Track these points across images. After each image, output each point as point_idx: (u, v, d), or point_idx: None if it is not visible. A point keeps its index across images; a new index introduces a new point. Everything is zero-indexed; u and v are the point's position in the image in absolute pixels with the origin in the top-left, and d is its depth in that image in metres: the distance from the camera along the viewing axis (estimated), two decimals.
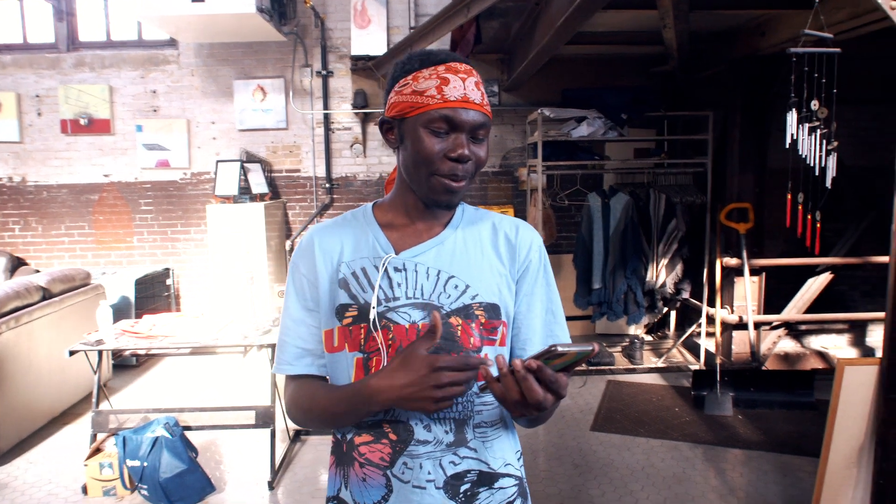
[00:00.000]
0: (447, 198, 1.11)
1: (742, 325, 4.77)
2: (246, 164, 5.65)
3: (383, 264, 1.12)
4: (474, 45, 4.40)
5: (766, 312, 4.93)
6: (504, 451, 1.16)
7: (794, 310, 4.92)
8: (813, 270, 5.03)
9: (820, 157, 2.10)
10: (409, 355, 1.00)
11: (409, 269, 1.12)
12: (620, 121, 4.81)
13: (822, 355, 5.41)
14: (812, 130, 2.09)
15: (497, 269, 1.15)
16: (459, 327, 1.10)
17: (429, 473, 1.10)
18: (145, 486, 3.15)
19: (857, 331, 5.97)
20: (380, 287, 1.11)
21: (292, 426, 4.01)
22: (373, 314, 1.10)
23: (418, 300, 1.10)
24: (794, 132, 2.11)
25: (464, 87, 1.06)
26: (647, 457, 3.72)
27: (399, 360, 1.01)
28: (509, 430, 1.19)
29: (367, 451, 1.13)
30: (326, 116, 5.97)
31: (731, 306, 4.85)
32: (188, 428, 3.38)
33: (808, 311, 5.01)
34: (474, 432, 1.12)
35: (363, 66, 5.77)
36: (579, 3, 2.87)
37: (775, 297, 5.20)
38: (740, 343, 4.87)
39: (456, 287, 1.12)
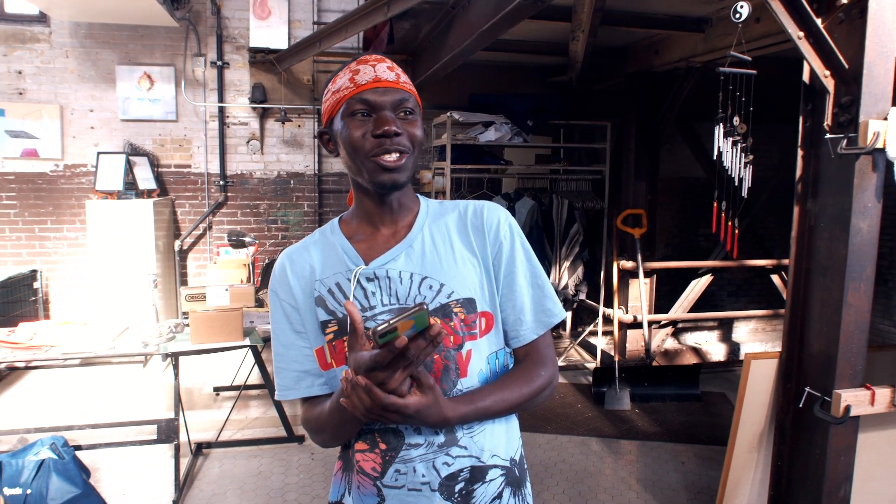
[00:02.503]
0: (389, 177, 1.09)
1: (636, 325, 5.08)
2: (132, 158, 5.21)
3: (354, 276, 1.12)
4: (387, 44, 4.35)
5: (654, 312, 5.30)
6: (492, 442, 1.15)
7: (681, 309, 5.33)
8: (695, 272, 5.47)
9: (738, 168, 2.30)
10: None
11: (382, 277, 1.12)
12: (526, 127, 4.96)
13: (696, 350, 5.91)
14: (734, 144, 2.29)
15: (469, 260, 1.15)
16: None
17: (423, 476, 1.10)
18: None
19: (725, 327, 6.59)
20: (355, 298, 1.12)
21: (194, 438, 3.75)
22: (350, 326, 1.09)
23: (394, 306, 1.11)
24: (721, 145, 2.29)
25: (374, 71, 1.10)
26: (557, 452, 3.86)
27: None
28: (496, 420, 1.17)
29: (362, 459, 1.14)
30: (221, 110, 5.64)
31: (626, 306, 5.16)
32: (79, 448, 3.04)
33: (690, 310, 5.44)
34: (463, 429, 1.12)
35: (263, 59, 5.52)
36: (508, 12, 2.92)
37: (657, 298, 5.60)
38: (633, 341, 5.19)
39: (431, 287, 1.11)
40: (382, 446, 1.11)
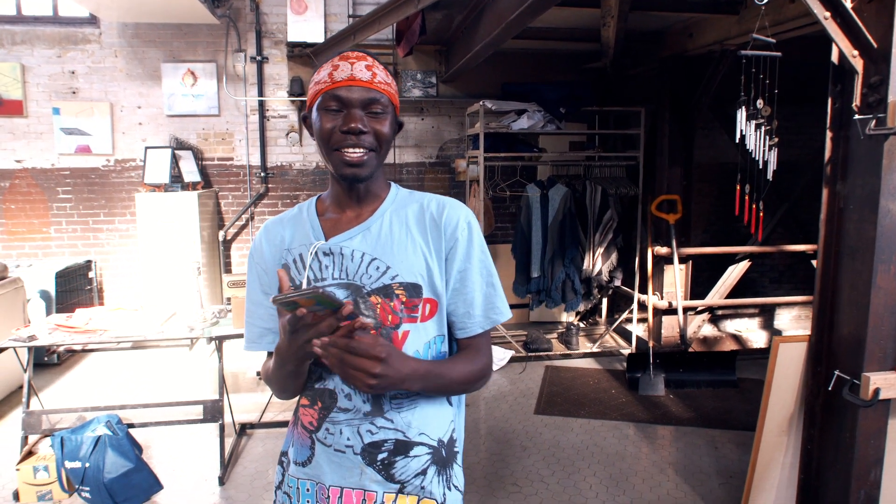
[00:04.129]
0: (350, 171, 1.18)
1: (671, 311, 5.06)
2: (177, 152, 5.42)
3: (312, 250, 1.24)
4: (419, 35, 4.41)
5: (690, 298, 5.25)
6: (421, 421, 1.22)
7: (717, 295, 5.27)
8: (733, 258, 5.40)
9: (763, 151, 2.29)
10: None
11: (336, 253, 1.22)
12: (559, 114, 4.97)
13: (736, 338, 5.83)
14: (758, 127, 2.28)
15: (422, 249, 1.22)
16: (379, 305, 1.19)
17: (348, 439, 1.20)
18: (87, 488, 2.99)
19: (767, 314, 6.46)
20: (311, 269, 1.23)
21: (238, 419, 3.93)
22: None
23: (343, 280, 1.21)
24: (743, 128, 2.29)
25: (351, 69, 1.17)
26: (591, 436, 3.90)
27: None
28: (432, 402, 1.25)
29: (303, 413, 1.27)
30: (261, 103, 5.81)
31: (661, 293, 5.13)
32: (131, 425, 3.24)
33: (728, 296, 5.38)
34: (391, 403, 1.20)
35: (300, 52, 5.66)
36: (535, 0, 2.95)
37: (695, 285, 5.55)
38: (669, 327, 5.17)
39: (377, 268, 1.20)
40: (320, 403, 1.23)
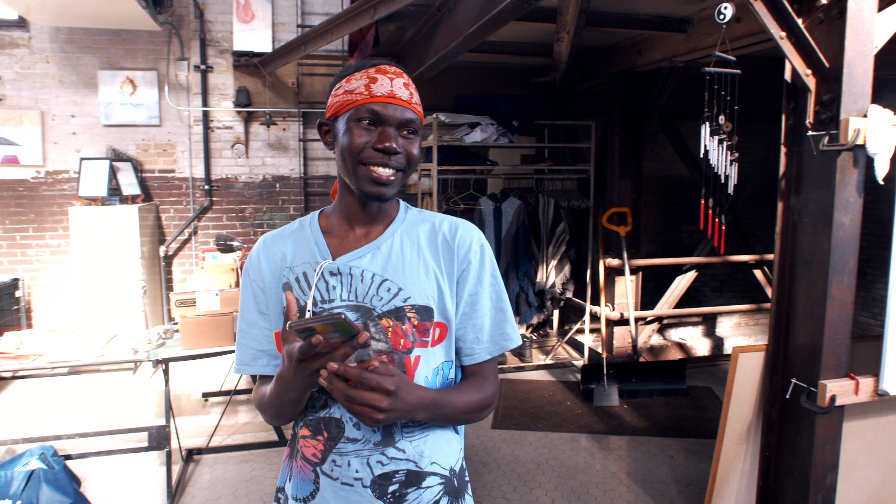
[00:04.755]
0: (376, 189, 1.13)
1: (623, 321, 5.14)
2: (115, 163, 5.16)
3: (318, 269, 1.17)
4: (373, 46, 4.35)
5: (640, 309, 5.35)
6: (433, 450, 1.18)
7: (666, 305, 5.39)
8: (679, 269, 5.54)
9: (725, 166, 2.35)
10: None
11: (345, 273, 1.16)
12: (512, 127, 5.00)
13: (681, 346, 5.99)
14: (720, 143, 2.34)
15: (434, 271, 1.18)
16: (391, 328, 1.13)
17: (356, 471, 1.13)
18: None
19: (709, 323, 6.68)
20: (317, 290, 1.16)
21: (185, 445, 3.72)
22: (308, 315, 1.14)
23: (352, 302, 1.15)
24: (707, 143, 2.34)
25: (391, 85, 1.12)
26: (549, 449, 3.89)
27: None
28: (443, 429, 1.21)
29: (304, 445, 1.19)
30: (205, 114, 5.61)
31: (613, 304, 5.21)
32: (68, 457, 3.02)
33: (675, 306, 5.51)
34: (402, 433, 1.15)
35: (247, 62, 5.50)
36: (495, 14, 2.95)
37: (642, 295, 5.66)
38: (620, 338, 5.25)
39: (389, 290, 1.15)
40: (325, 433, 1.15)
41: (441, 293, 1.17)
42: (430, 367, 1.17)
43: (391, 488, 1.14)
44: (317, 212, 1.27)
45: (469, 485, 1.26)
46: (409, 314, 1.14)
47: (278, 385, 1.09)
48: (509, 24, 4.09)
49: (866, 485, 3.07)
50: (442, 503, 1.18)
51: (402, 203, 1.26)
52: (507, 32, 4.62)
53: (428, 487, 1.17)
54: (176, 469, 3.48)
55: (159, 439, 3.15)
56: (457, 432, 1.25)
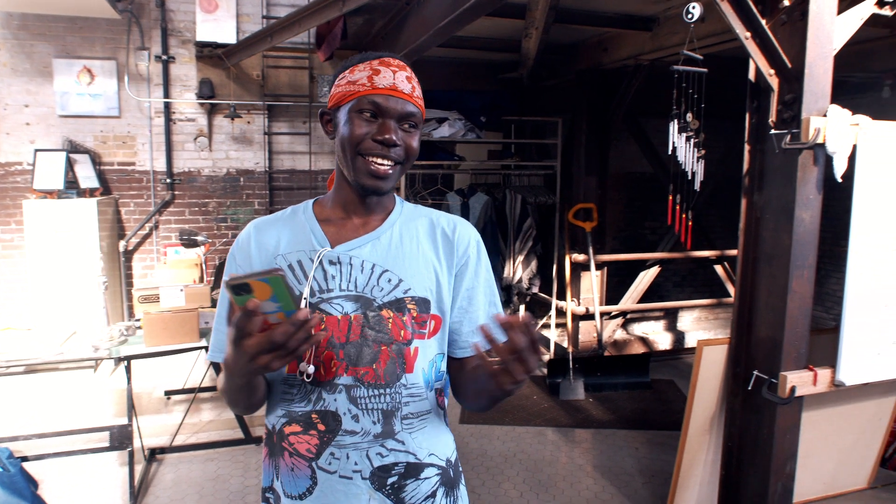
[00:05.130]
0: (373, 182, 1.13)
1: (588, 316, 5.21)
2: (72, 155, 4.99)
3: (318, 257, 1.15)
4: (341, 40, 4.31)
5: (605, 304, 5.44)
6: (430, 442, 1.19)
7: (630, 300, 5.48)
8: (642, 264, 5.64)
9: (692, 162, 2.40)
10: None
11: (344, 263, 1.15)
12: (480, 123, 5.01)
13: (643, 340, 6.10)
14: (688, 140, 2.39)
15: (433, 264, 1.19)
16: (391, 320, 1.13)
17: (355, 464, 1.12)
18: None
19: (671, 317, 6.83)
20: (314, 279, 1.14)
21: (147, 444, 3.64)
22: (304, 304, 1.13)
23: (352, 292, 1.14)
24: (675, 141, 2.39)
25: (393, 77, 1.12)
26: (516, 443, 3.93)
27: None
28: (439, 420, 1.22)
29: (296, 441, 1.15)
30: (167, 106, 5.47)
31: (579, 299, 5.28)
32: (25, 459, 2.92)
33: (638, 301, 5.61)
34: (402, 423, 1.15)
35: (210, 53, 5.38)
36: (465, 9, 2.94)
37: (607, 290, 5.75)
38: (586, 332, 5.32)
39: (389, 281, 1.15)
40: (321, 427, 1.12)
41: (439, 286, 1.18)
42: (427, 358, 1.17)
43: (390, 480, 1.14)
44: (310, 200, 1.25)
45: (462, 475, 1.27)
46: (409, 305, 1.14)
47: (225, 371, 1.02)
48: (480, 20, 4.10)
49: (821, 472, 3.19)
50: (438, 494, 1.19)
51: (398, 197, 1.26)
52: (476, 28, 4.62)
53: (426, 479, 1.17)
54: (138, 469, 3.39)
55: (121, 439, 3.07)
56: (446, 424, 1.26)
